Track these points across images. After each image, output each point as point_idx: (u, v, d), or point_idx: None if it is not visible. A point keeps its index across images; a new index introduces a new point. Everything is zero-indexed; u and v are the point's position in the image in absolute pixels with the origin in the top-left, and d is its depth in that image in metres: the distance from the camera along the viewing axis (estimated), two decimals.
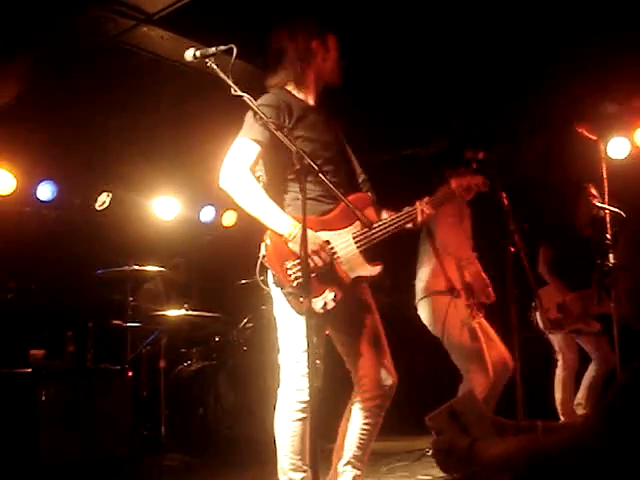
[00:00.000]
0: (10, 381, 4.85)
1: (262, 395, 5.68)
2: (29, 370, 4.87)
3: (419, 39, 5.12)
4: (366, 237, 3.17)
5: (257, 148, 3.10)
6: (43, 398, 4.72)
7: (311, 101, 3.34)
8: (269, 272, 3.10)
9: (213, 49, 2.92)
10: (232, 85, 2.89)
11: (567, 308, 5.48)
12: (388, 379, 3.21)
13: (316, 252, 2.97)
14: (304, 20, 3.38)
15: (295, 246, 2.96)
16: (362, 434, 3.22)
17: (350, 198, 3.08)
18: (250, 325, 6.15)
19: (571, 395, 5.56)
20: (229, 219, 7.59)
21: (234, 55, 2.88)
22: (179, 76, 5.09)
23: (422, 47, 5.21)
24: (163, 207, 7.03)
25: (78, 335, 5.33)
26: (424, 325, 4.62)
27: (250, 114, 3.14)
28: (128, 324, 5.65)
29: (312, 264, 2.93)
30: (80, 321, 5.53)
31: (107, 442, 4.91)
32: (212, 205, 7.44)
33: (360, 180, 3.43)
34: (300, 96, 3.32)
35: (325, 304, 3.01)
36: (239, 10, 4.53)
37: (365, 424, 3.22)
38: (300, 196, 2.79)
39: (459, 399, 1.99)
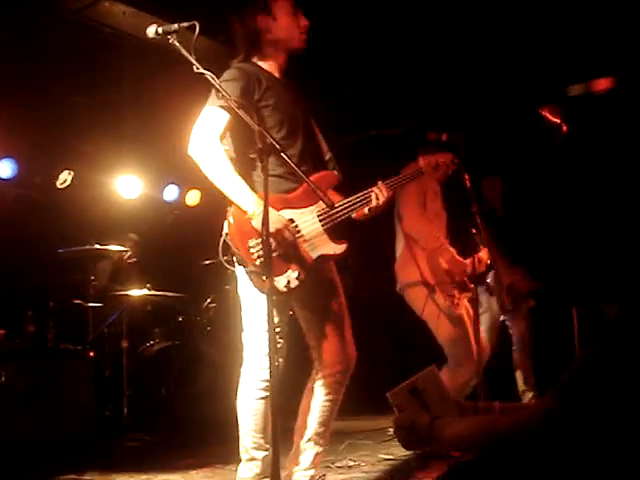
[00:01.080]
0: None
1: (225, 375, 5.67)
2: None
3: (385, 21, 5.11)
4: (330, 216, 3.16)
5: (226, 116, 3.06)
6: (2, 379, 4.66)
7: (277, 74, 3.30)
8: (233, 250, 3.08)
9: (175, 26, 2.87)
10: (194, 63, 2.85)
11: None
12: (348, 355, 3.25)
13: (279, 231, 2.95)
14: None
15: (258, 224, 2.92)
16: (323, 410, 3.25)
17: (314, 176, 3.09)
18: (213, 305, 6.13)
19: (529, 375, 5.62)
20: (193, 198, 7.53)
21: (196, 32, 2.84)
22: (142, 52, 5.03)
23: (387, 29, 5.21)
24: (126, 186, 6.94)
25: (39, 315, 5.27)
26: (389, 304, 4.65)
27: (224, 77, 3.10)
28: (89, 304, 5.59)
29: (275, 243, 2.92)
30: (41, 300, 5.46)
31: (69, 423, 4.88)
32: (175, 184, 7.38)
33: (327, 158, 3.40)
34: (266, 67, 3.28)
35: (288, 282, 2.99)
36: None
37: (326, 400, 3.24)
38: (273, 171, 2.82)
39: (420, 376, 2.00)
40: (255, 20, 3.25)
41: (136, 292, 5.78)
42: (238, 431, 3.18)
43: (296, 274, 3.01)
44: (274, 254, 2.91)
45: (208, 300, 6.15)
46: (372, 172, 3.35)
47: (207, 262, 6.04)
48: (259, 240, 2.94)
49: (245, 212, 2.99)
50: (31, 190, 6.49)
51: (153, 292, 5.87)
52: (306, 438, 3.26)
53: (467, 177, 3.76)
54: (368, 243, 4.87)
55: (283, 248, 2.97)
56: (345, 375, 3.25)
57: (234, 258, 3.07)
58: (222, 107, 3.05)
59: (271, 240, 2.85)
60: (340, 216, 3.19)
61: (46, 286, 5.84)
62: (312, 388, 3.28)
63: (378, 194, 3.26)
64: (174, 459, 4.67)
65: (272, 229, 2.84)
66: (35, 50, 5.20)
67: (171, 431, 5.37)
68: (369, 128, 6.94)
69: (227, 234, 3.04)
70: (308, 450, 3.27)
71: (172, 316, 6.20)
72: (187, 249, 6.88)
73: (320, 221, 3.15)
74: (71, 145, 6.42)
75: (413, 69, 5.76)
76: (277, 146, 2.69)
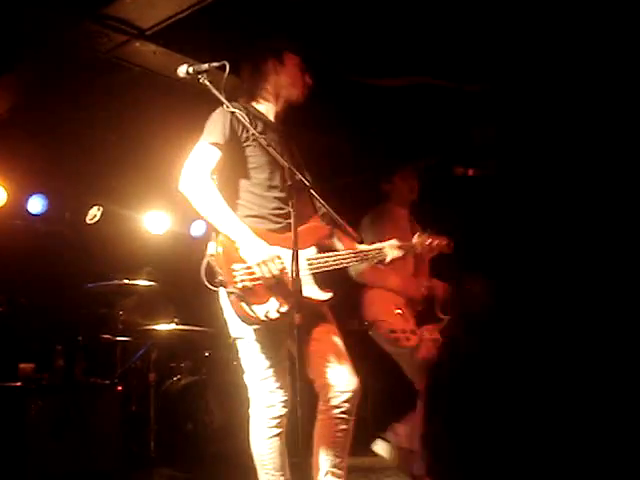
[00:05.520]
0: None
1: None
2: (18, 384, 4.85)
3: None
4: (320, 263, 3.23)
5: (218, 153, 3.13)
6: (32, 412, 4.69)
7: (271, 117, 3.39)
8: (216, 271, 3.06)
9: (206, 65, 2.96)
10: (225, 101, 2.93)
11: None
12: (351, 384, 3.20)
13: (265, 262, 2.98)
14: (264, 39, 3.47)
15: (245, 253, 3.00)
16: (335, 442, 3.20)
17: (306, 226, 3.23)
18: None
19: None
20: None
21: (227, 71, 2.91)
22: (171, 90, 5.11)
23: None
24: (153, 221, 7.03)
25: (68, 349, 5.31)
26: None
27: (212, 118, 3.19)
28: (118, 338, 5.64)
29: (259, 272, 2.96)
30: (70, 335, 5.51)
31: (97, 457, 4.89)
32: (203, 220, 7.43)
33: (320, 213, 3.43)
34: (262, 110, 3.37)
35: (267, 312, 3.00)
36: (230, 26, 4.56)
37: (337, 432, 3.19)
38: (253, 211, 3.07)
39: None
40: (266, 63, 3.36)
41: (163, 327, 5.82)
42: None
43: (277, 305, 3.02)
44: (257, 282, 2.97)
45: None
46: None
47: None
48: (244, 265, 2.99)
49: (234, 241, 3.04)
50: (61, 226, 6.58)
51: (180, 327, 5.90)
52: (323, 472, 3.21)
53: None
54: None
55: (267, 279, 2.99)
56: (351, 405, 3.20)
57: (217, 279, 3.06)
58: (213, 144, 3.12)
59: (255, 268, 2.95)
60: (330, 265, 3.25)
61: (75, 321, 5.89)
62: (322, 421, 3.23)
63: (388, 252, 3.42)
64: None
65: (258, 259, 2.94)
66: (66, 89, 5.32)
67: (198, 466, 5.37)
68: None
69: (212, 255, 3.08)
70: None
71: (198, 350, 6.22)
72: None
73: (308, 265, 3.19)
74: (100, 181, 6.51)
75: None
76: (307, 183, 2.75)
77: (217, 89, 2.94)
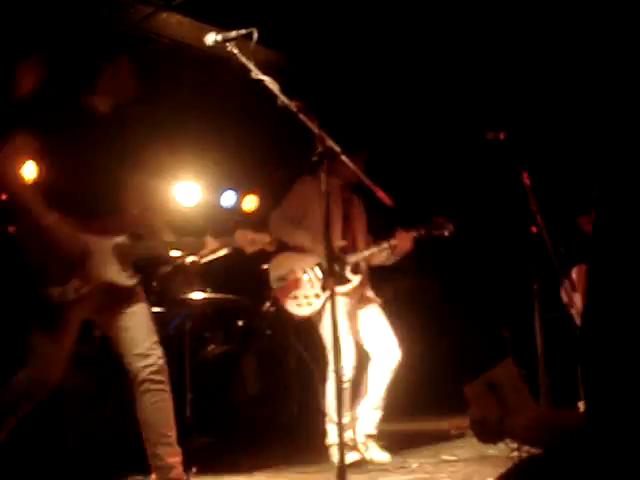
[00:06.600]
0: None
1: (285, 377, 5.74)
2: None
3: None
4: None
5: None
6: (70, 382, 4.78)
7: (102, 109, 3.56)
8: None
9: (234, 33, 2.95)
10: (253, 69, 2.92)
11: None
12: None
13: None
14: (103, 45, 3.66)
15: None
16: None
17: (109, 221, 3.45)
18: (273, 309, 6.18)
19: None
20: (250, 203, 7.61)
21: (254, 39, 2.90)
22: (199, 61, 5.11)
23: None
24: (184, 192, 7.04)
25: None
26: (448, 306, 4.71)
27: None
28: (152, 309, 5.69)
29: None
30: None
31: (134, 425, 4.97)
32: (233, 189, 7.45)
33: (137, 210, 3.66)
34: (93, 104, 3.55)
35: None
36: None
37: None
38: None
39: (497, 370, 2.01)
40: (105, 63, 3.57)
41: (197, 296, 5.87)
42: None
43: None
44: None
45: (267, 304, 6.20)
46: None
47: (266, 266, 6.09)
48: None
49: None
50: None
51: (213, 296, 5.94)
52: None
53: (525, 175, 3.75)
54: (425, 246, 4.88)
55: None
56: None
57: None
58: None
59: None
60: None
61: None
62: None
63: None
64: (238, 460, 4.73)
65: None
66: (96, 61, 5.33)
67: (234, 433, 5.43)
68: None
69: None
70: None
71: (232, 320, 6.27)
72: (244, 254, 6.93)
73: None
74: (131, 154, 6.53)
75: None
76: (336, 150, 2.74)
77: (245, 57, 2.93)
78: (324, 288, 4.55)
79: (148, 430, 3.50)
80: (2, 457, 3.67)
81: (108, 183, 3.48)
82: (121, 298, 3.52)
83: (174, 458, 3.47)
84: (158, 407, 3.49)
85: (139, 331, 3.53)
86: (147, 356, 3.49)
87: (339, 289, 4.48)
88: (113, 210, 3.49)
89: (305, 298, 4.58)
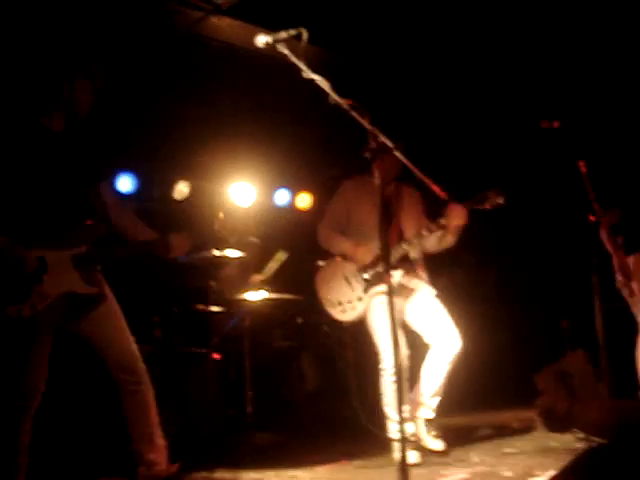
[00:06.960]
0: (102, 367, 5.01)
1: (343, 374, 5.76)
2: None
3: None
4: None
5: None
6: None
7: (56, 127, 3.60)
8: None
9: (284, 34, 2.97)
10: (304, 69, 2.94)
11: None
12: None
13: None
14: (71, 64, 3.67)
15: None
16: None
17: (66, 234, 3.52)
18: None
19: None
20: (303, 201, 7.64)
21: (304, 39, 2.92)
22: (250, 63, 5.16)
23: None
24: (240, 193, 7.10)
25: (164, 321, 5.49)
26: (508, 298, 4.66)
27: None
28: (211, 308, 5.79)
29: None
30: (165, 307, 5.69)
31: (197, 422, 5.06)
32: (286, 187, 7.49)
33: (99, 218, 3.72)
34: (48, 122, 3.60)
35: None
36: None
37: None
38: None
39: (568, 360, 2.01)
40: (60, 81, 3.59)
41: (254, 296, 5.93)
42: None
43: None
44: None
45: None
46: None
47: (321, 263, 6.12)
48: None
49: None
50: (150, 203, 6.75)
51: (271, 295, 6.00)
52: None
53: (582, 164, 3.70)
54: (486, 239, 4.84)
55: None
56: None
57: None
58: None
59: None
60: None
61: (169, 293, 6.07)
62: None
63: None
64: (300, 456, 4.76)
65: None
66: (150, 68, 5.44)
67: (294, 429, 5.48)
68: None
69: None
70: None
71: (291, 318, 6.32)
72: (300, 252, 6.98)
73: None
74: (186, 156, 6.64)
75: None
76: (390, 145, 2.76)
77: (296, 57, 2.96)
78: (366, 290, 4.59)
79: (130, 428, 3.68)
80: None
81: (64, 198, 3.57)
82: (87, 304, 3.61)
83: (154, 454, 3.65)
84: (136, 406, 3.66)
85: (112, 333, 3.66)
86: (122, 357, 3.65)
87: (380, 288, 4.50)
88: (70, 223, 3.58)
89: (349, 303, 4.64)
